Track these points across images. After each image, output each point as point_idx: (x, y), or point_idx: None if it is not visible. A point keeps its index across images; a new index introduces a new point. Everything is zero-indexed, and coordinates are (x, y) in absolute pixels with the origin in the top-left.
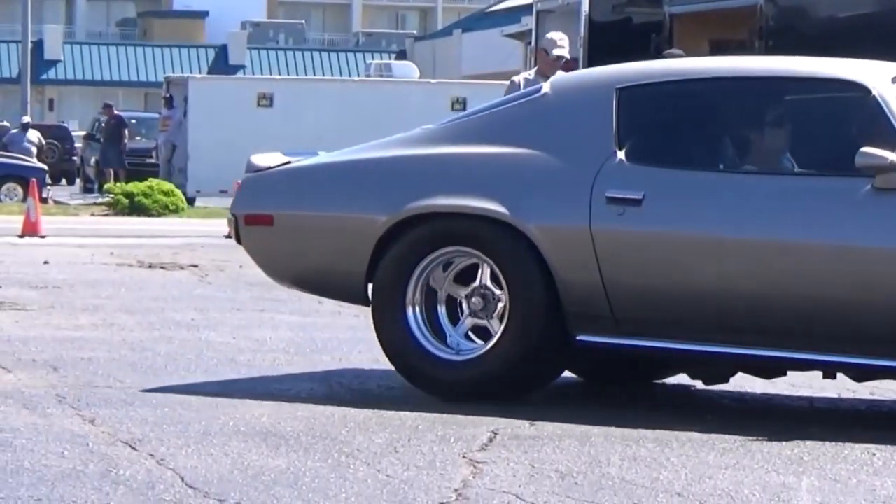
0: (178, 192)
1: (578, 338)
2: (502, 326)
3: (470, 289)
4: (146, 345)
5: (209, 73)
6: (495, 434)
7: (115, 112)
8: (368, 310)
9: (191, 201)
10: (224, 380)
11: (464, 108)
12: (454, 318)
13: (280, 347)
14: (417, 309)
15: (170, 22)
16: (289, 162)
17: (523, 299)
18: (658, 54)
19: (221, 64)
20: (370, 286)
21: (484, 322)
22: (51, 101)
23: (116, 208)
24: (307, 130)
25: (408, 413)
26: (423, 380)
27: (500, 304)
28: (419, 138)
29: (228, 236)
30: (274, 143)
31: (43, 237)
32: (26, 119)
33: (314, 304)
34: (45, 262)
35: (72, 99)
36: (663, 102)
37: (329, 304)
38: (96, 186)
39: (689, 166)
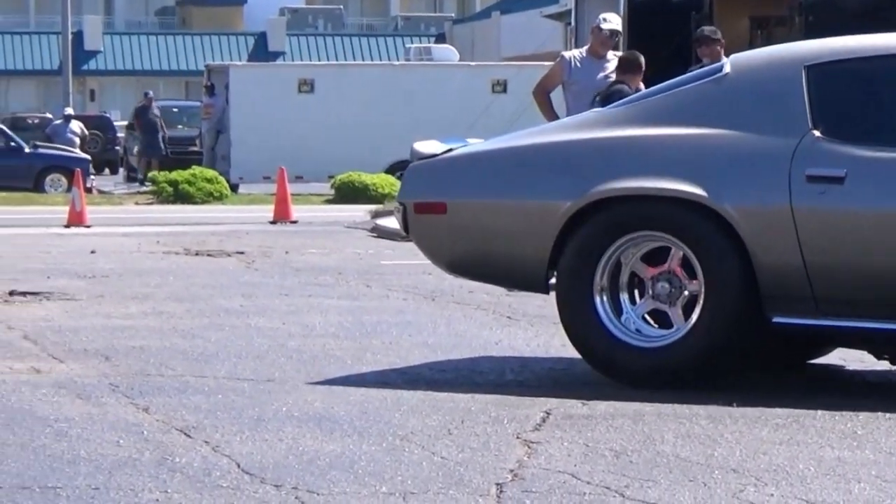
0: (221, 179)
1: (774, 320)
2: (697, 311)
3: (657, 271)
4: (196, 332)
5: (249, 60)
6: (548, 414)
7: (145, 103)
8: (417, 292)
9: (234, 188)
10: (275, 365)
11: (504, 91)
12: (633, 298)
13: (329, 332)
14: (605, 296)
15: (208, 10)
16: (451, 149)
17: (720, 283)
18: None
19: (261, 51)
20: (552, 273)
21: (665, 308)
22: (92, 92)
23: (160, 197)
24: (349, 115)
25: (460, 395)
26: (610, 367)
27: (685, 294)
28: (595, 121)
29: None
30: (316, 129)
31: (89, 227)
32: (69, 110)
33: (362, 288)
34: (92, 252)
35: (113, 89)
36: (859, 79)
37: (377, 287)
38: (140, 175)
39: (892, 143)
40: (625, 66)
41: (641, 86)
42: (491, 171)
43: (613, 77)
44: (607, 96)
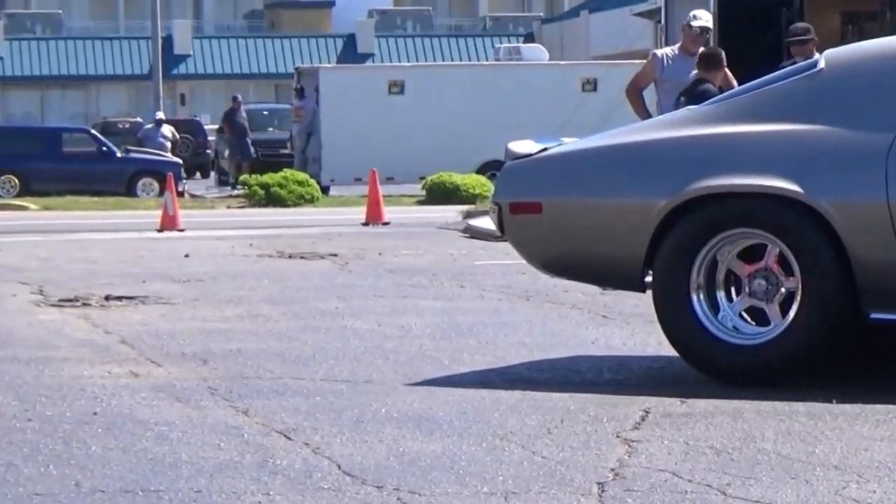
0: (312, 181)
1: (872, 316)
2: (794, 308)
3: (754, 268)
4: (292, 335)
5: (338, 62)
6: (647, 413)
7: (233, 106)
8: (511, 292)
9: (325, 190)
10: (372, 367)
11: (594, 89)
12: (729, 296)
13: (426, 333)
14: (701, 294)
15: (297, 13)
16: (546, 149)
17: (817, 279)
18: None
19: (350, 53)
20: (648, 272)
21: (762, 305)
22: (182, 96)
23: (252, 200)
24: (439, 116)
25: (558, 394)
26: (708, 365)
27: (782, 291)
28: (688, 119)
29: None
30: (406, 130)
31: (182, 231)
32: (160, 114)
33: (456, 289)
34: (186, 256)
35: (203, 93)
36: None
37: (471, 288)
38: (231, 179)
39: None
40: (707, 63)
41: (733, 83)
42: (586, 170)
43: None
44: (695, 95)
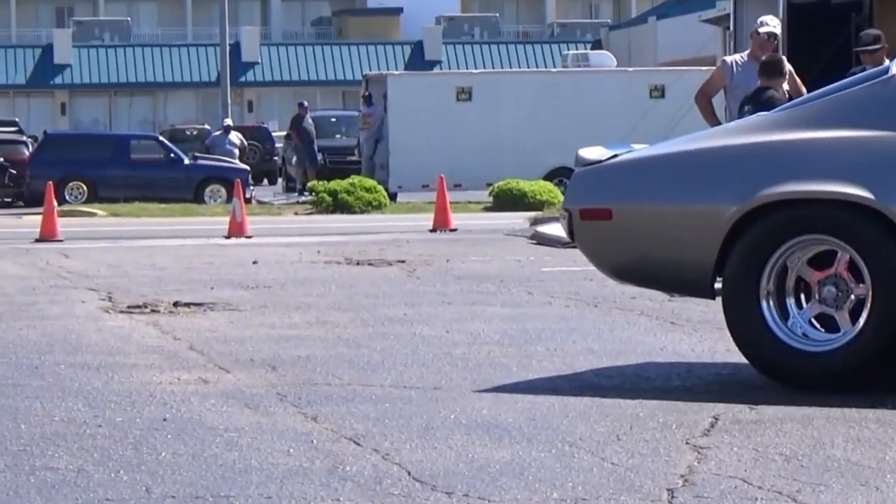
0: (380, 188)
1: None
2: (864, 315)
3: (824, 275)
4: (361, 341)
5: (405, 69)
6: (717, 419)
7: (300, 112)
8: (579, 298)
9: (393, 197)
10: (441, 373)
11: (662, 96)
12: (799, 302)
13: (494, 339)
14: (771, 301)
15: (365, 20)
16: (616, 155)
17: (888, 285)
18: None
19: (417, 60)
20: (717, 278)
21: (831, 311)
22: (250, 103)
23: (320, 206)
24: (506, 123)
25: (627, 401)
26: (777, 371)
27: (852, 297)
28: (759, 125)
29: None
30: (474, 136)
31: (249, 237)
32: (228, 121)
33: (524, 296)
34: (254, 262)
35: (270, 100)
36: None
37: (539, 294)
38: (298, 185)
39: None
40: (768, 70)
41: (802, 89)
42: (656, 176)
43: None
44: (760, 103)
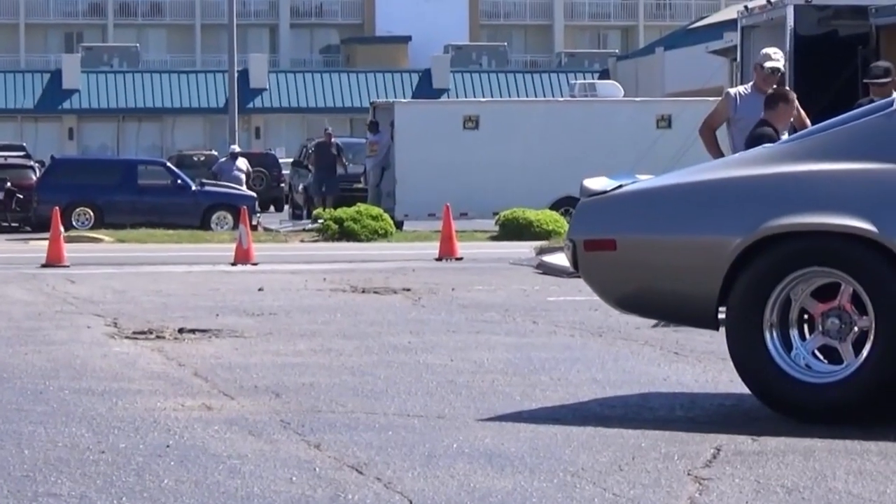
0: (386, 216)
1: None
2: (868, 347)
3: (827, 307)
4: (365, 369)
5: (413, 97)
6: (718, 450)
7: (324, 139)
8: (584, 328)
9: (399, 225)
10: (445, 402)
11: (669, 126)
12: (802, 334)
13: (498, 368)
14: (775, 332)
15: (373, 48)
16: (620, 186)
17: (891, 318)
18: (865, 67)
19: (425, 88)
20: (721, 309)
21: (834, 343)
22: (257, 129)
23: (326, 234)
24: (513, 152)
25: (630, 431)
26: (780, 403)
27: (855, 329)
28: (763, 157)
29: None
30: (481, 165)
31: (255, 264)
32: (235, 148)
33: (529, 325)
34: (260, 289)
35: (278, 126)
36: None
37: (544, 323)
38: (305, 213)
39: None
40: (770, 104)
41: (806, 122)
42: (661, 207)
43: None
44: (752, 137)
